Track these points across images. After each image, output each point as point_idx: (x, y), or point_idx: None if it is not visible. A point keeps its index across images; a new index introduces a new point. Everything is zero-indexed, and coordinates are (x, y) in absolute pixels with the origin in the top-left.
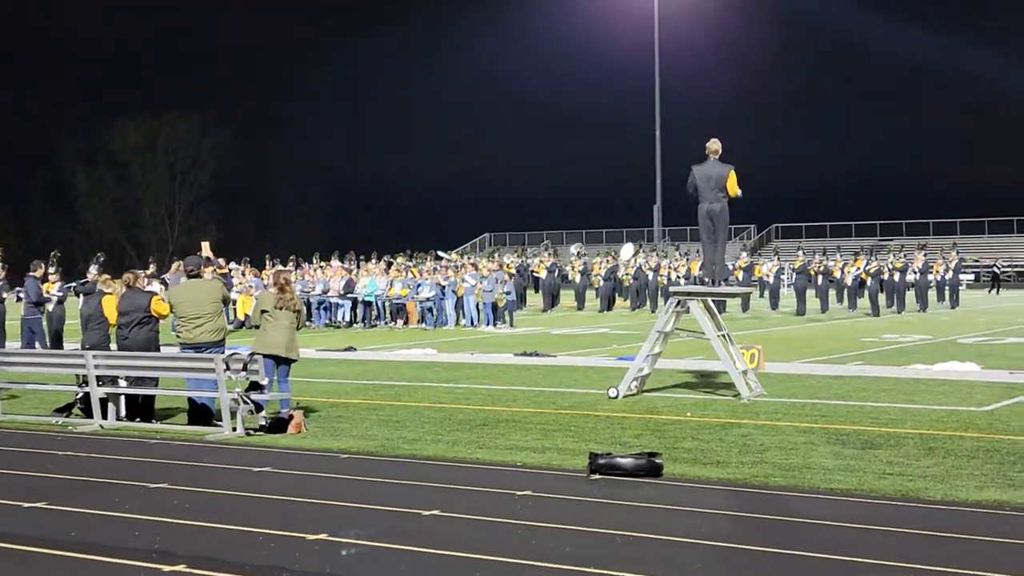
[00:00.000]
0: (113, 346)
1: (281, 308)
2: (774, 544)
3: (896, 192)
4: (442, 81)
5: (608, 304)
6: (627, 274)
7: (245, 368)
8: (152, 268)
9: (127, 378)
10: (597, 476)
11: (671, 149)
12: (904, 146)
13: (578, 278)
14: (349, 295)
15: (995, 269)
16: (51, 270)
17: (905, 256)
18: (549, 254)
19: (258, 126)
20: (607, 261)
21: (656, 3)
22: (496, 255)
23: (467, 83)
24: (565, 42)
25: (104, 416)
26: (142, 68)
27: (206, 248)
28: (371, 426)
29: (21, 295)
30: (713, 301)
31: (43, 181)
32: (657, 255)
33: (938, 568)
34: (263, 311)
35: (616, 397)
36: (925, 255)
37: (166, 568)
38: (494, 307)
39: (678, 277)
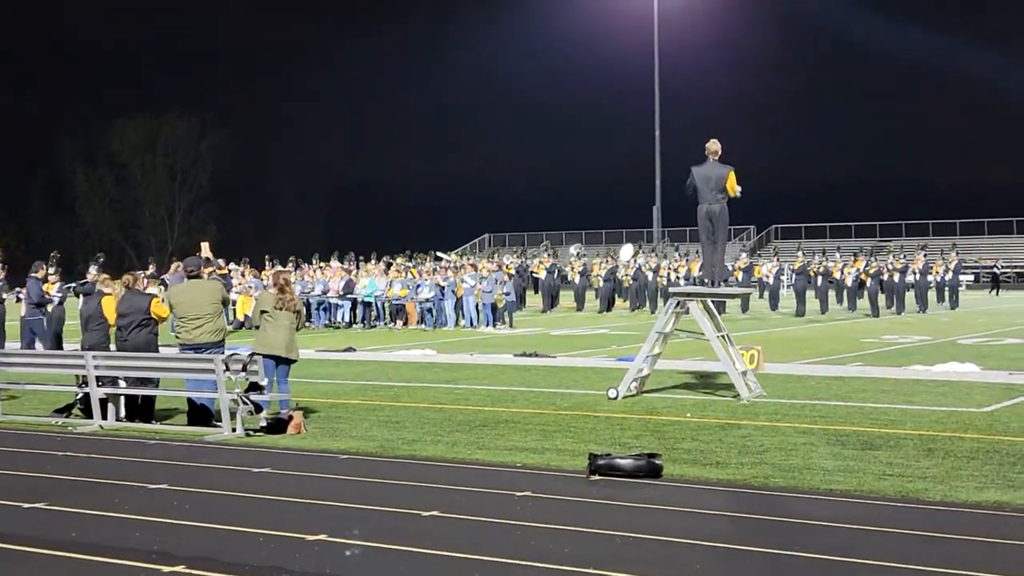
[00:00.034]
0: (113, 347)
1: (281, 309)
2: (773, 545)
3: (896, 192)
4: (442, 81)
5: (608, 305)
6: (627, 275)
7: (245, 369)
8: (152, 269)
9: (126, 379)
10: (596, 477)
11: (671, 149)
12: (904, 146)
13: (577, 279)
14: (348, 296)
15: (995, 270)
16: (50, 271)
17: (905, 257)
18: (549, 255)
19: (258, 126)
20: (606, 262)
21: (656, 3)
22: (495, 256)
23: (467, 83)
24: (565, 42)
25: (104, 417)
26: (142, 68)
27: (205, 249)
28: (370, 427)
29: (21, 296)
30: (713, 302)
31: (43, 181)
32: (656, 256)
33: (938, 569)
34: (263, 312)
35: (616, 398)
36: (925, 256)
37: (165, 569)
38: (493, 308)
39: (678, 278)
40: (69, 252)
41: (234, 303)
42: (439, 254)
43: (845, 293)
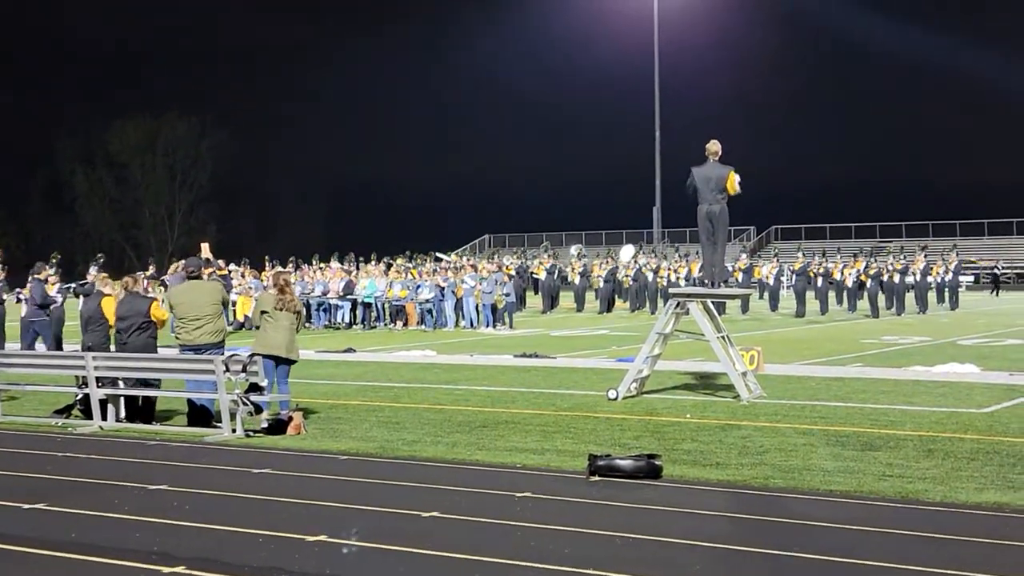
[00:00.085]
0: (112, 348)
1: (281, 309)
2: (773, 546)
3: (896, 193)
4: (442, 81)
5: (608, 306)
6: (627, 276)
7: (244, 370)
8: (151, 269)
9: (124, 381)
10: (596, 478)
11: (671, 150)
12: (904, 147)
13: (577, 280)
14: (348, 296)
15: (995, 271)
16: (50, 272)
17: (905, 258)
18: (549, 255)
19: (258, 126)
20: (606, 263)
21: (656, 3)
22: (495, 256)
23: (467, 83)
24: (565, 42)
25: (104, 417)
26: (142, 68)
27: (205, 249)
28: (370, 427)
29: (21, 296)
30: (712, 303)
31: (43, 181)
32: (656, 256)
33: (938, 570)
34: (263, 312)
35: (616, 399)
36: (926, 256)
37: (165, 570)
38: (493, 309)
39: (678, 278)
40: (69, 252)
41: (234, 304)
42: (439, 255)
43: (845, 294)
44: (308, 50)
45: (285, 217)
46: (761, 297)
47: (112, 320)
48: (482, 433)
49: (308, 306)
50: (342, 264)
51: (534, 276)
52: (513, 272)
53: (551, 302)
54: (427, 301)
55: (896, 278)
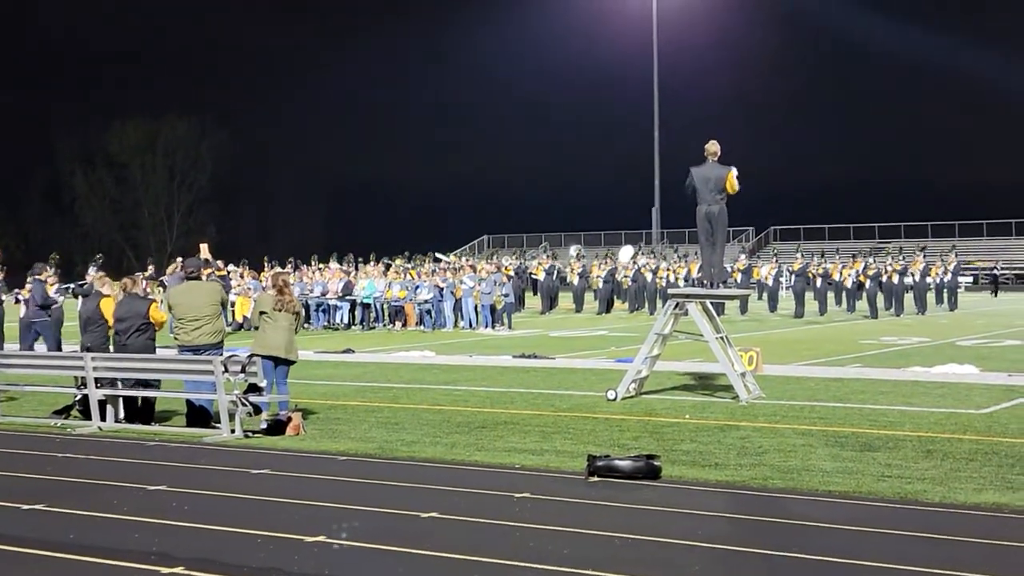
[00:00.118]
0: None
1: (280, 310)
2: (772, 546)
3: (895, 193)
4: (442, 81)
5: (607, 306)
6: (626, 276)
7: (243, 370)
8: (151, 270)
9: (123, 382)
10: (595, 478)
11: (670, 150)
12: (903, 147)
13: (576, 280)
14: (347, 297)
15: (995, 271)
16: (50, 272)
17: (904, 259)
18: (548, 256)
19: (257, 127)
20: (605, 263)
21: (655, 3)
22: (494, 257)
23: (467, 83)
24: (564, 43)
25: (103, 418)
26: (141, 69)
27: (205, 250)
28: (369, 428)
29: (20, 297)
30: (711, 303)
31: (42, 182)
32: (655, 257)
33: (936, 570)
34: (262, 313)
35: (614, 399)
36: (925, 257)
37: (164, 570)
38: (492, 309)
39: (677, 279)
40: (68, 253)
41: (233, 304)
42: (438, 255)
43: (844, 295)
44: (308, 50)
45: (284, 218)
46: (760, 298)
47: (111, 321)
48: (481, 434)
49: (307, 307)
50: (341, 265)
51: (533, 277)
52: (512, 273)
53: (550, 303)
54: (426, 302)
55: (895, 279)
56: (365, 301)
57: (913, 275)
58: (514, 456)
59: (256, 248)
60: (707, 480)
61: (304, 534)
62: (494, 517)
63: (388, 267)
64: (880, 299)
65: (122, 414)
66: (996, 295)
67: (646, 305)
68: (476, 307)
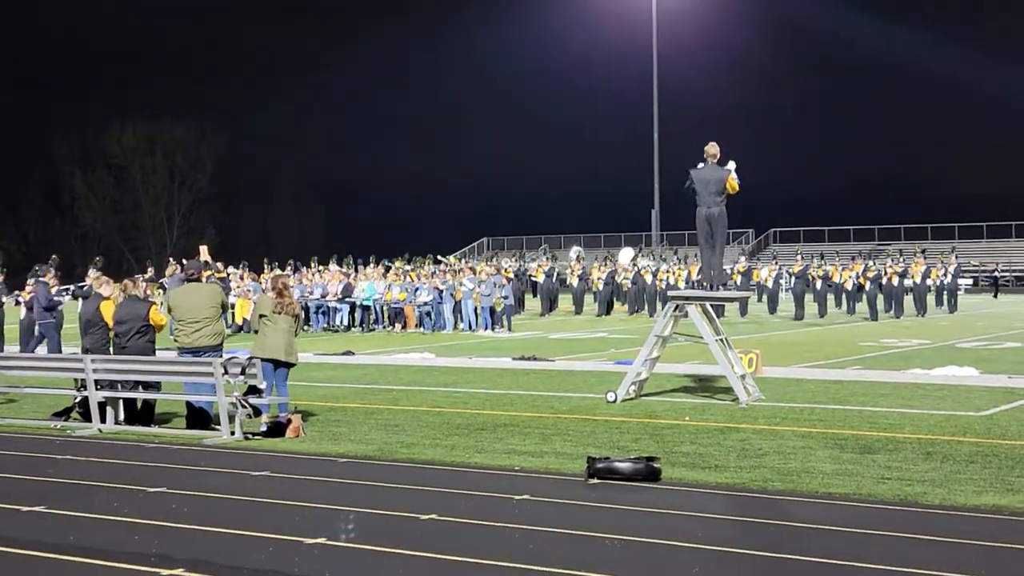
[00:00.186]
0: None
1: (279, 312)
2: (772, 548)
3: (895, 196)
4: (441, 83)
5: (606, 308)
6: (626, 278)
7: (243, 372)
8: (150, 271)
9: (122, 385)
10: (595, 480)
11: (670, 152)
12: (903, 150)
13: (576, 282)
14: (347, 299)
15: (995, 274)
16: (51, 274)
17: (904, 261)
18: (547, 258)
19: (257, 127)
20: (605, 265)
21: (654, 6)
22: (494, 259)
23: (466, 85)
24: (565, 43)
25: (103, 420)
26: (141, 69)
27: (204, 252)
28: (369, 430)
29: (20, 299)
30: (711, 306)
31: (41, 183)
32: (655, 259)
33: (936, 572)
34: (261, 315)
35: (614, 401)
36: (925, 259)
37: (164, 572)
38: (492, 311)
39: (677, 279)
40: (68, 255)
41: (233, 307)
42: (439, 258)
43: (844, 297)
44: (308, 50)
45: (284, 220)
46: (760, 300)
47: (110, 322)
48: (481, 436)
49: (307, 309)
50: (341, 267)
51: (532, 279)
52: (512, 275)
53: (550, 305)
54: (425, 304)
55: (895, 281)
56: (365, 303)
57: (913, 278)
58: (514, 458)
59: (256, 250)
60: (707, 482)
61: (304, 536)
62: (494, 519)
63: (388, 269)
64: (880, 301)
65: (122, 416)
66: (996, 297)
67: (646, 307)
68: (476, 309)
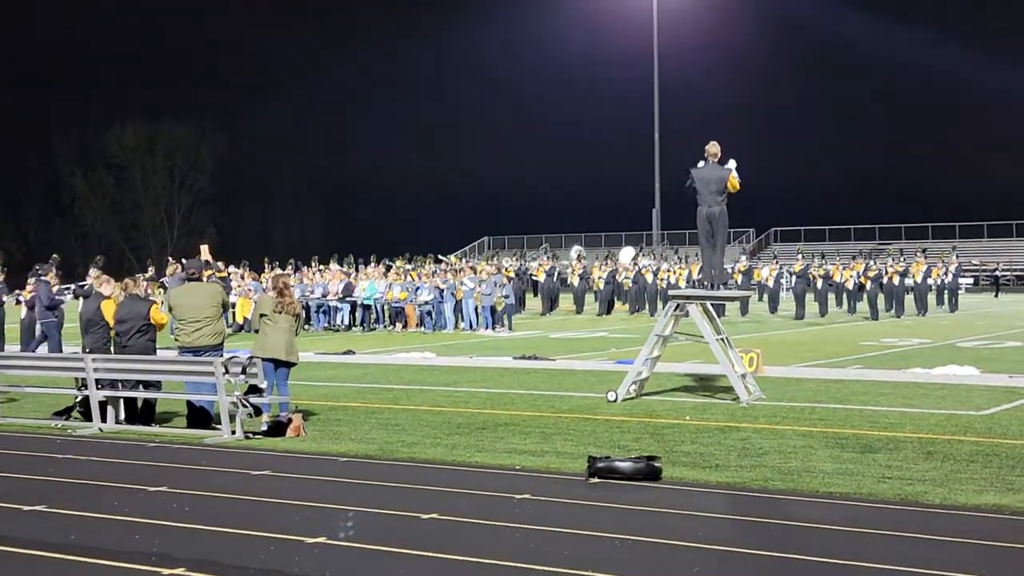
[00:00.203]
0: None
1: (280, 312)
2: (773, 548)
3: (896, 195)
4: (442, 82)
5: (607, 308)
6: (626, 278)
7: (244, 372)
8: (151, 271)
9: (123, 384)
10: (596, 480)
11: (670, 152)
12: (904, 150)
13: (576, 281)
14: (348, 298)
15: (996, 273)
16: (53, 273)
17: (905, 260)
18: (548, 257)
19: (257, 128)
20: (606, 264)
21: (655, 6)
22: (495, 258)
23: (467, 83)
24: (565, 43)
25: (103, 419)
26: (141, 69)
27: (205, 251)
28: (370, 429)
29: (20, 298)
30: (712, 305)
31: (41, 183)
32: (656, 258)
33: (937, 572)
34: (262, 315)
35: (615, 401)
36: (926, 259)
37: (165, 571)
38: (492, 311)
39: (678, 278)
40: (68, 255)
41: (233, 306)
42: (439, 257)
43: (845, 296)
44: (308, 50)
45: (284, 219)
46: (760, 299)
47: (111, 322)
48: (481, 435)
49: (307, 308)
50: (341, 266)
51: (533, 278)
52: (512, 274)
53: (550, 304)
54: (426, 303)
55: (896, 280)
56: (366, 302)
57: (915, 277)
58: (514, 457)
59: (256, 249)
60: (708, 481)
61: (304, 535)
62: (495, 518)
63: (389, 268)
64: (881, 300)
65: (123, 415)
66: (998, 296)
67: (647, 306)
68: (476, 308)
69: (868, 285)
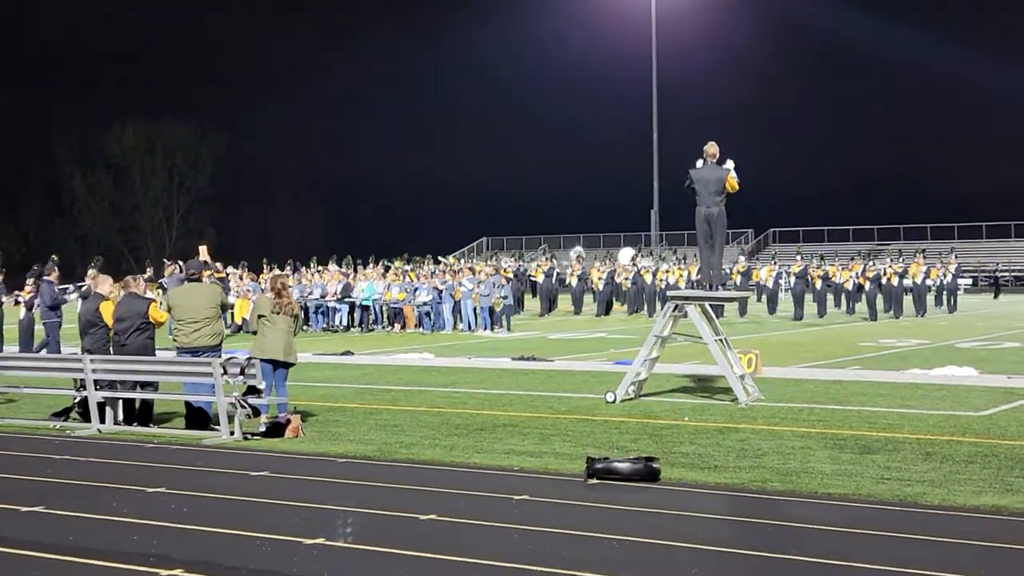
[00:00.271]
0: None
1: (278, 312)
2: (771, 549)
3: (895, 195)
4: (442, 82)
5: (606, 308)
6: (625, 278)
7: (242, 372)
8: (149, 272)
9: (121, 384)
10: (594, 481)
11: (669, 152)
12: (903, 150)
13: (575, 282)
14: (347, 299)
15: (995, 273)
16: (55, 273)
17: (903, 261)
18: (547, 258)
19: (257, 128)
20: (605, 265)
21: (654, 6)
22: (493, 259)
23: (466, 85)
24: (564, 44)
25: (102, 420)
26: (141, 69)
27: (204, 252)
28: (368, 430)
29: (20, 299)
30: (710, 306)
31: (41, 183)
32: (654, 259)
33: (935, 573)
34: (260, 316)
35: (614, 401)
36: (924, 259)
37: (163, 572)
38: (491, 311)
39: (678, 279)
40: (67, 255)
41: (232, 307)
42: (439, 258)
43: (843, 297)
44: (308, 50)
45: (284, 220)
46: (759, 300)
47: (110, 323)
48: (480, 436)
49: (306, 309)
50: (340, 267)
51: (532, 279)
52: (511, 275)
53: (549, 305)
54: (425, 304)
55: (894, 281)
56: (364, 303)
57: (914, 278)
58: (513, 458)
59: (255, 250)
60: (706, 482)
61: (303, 536)
62: (493, 519)
63: (387, 269)
64: (879, 301)
65: (121, 416)
66: (997, 297)
67: (645, 307)
68: (475, 309)
69: (867, 286)
